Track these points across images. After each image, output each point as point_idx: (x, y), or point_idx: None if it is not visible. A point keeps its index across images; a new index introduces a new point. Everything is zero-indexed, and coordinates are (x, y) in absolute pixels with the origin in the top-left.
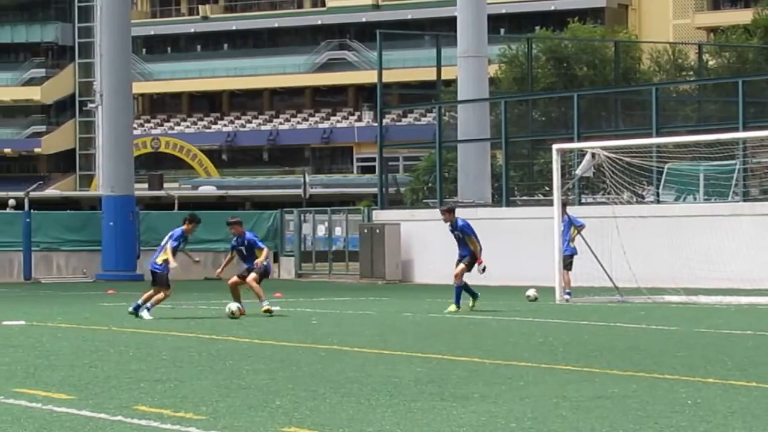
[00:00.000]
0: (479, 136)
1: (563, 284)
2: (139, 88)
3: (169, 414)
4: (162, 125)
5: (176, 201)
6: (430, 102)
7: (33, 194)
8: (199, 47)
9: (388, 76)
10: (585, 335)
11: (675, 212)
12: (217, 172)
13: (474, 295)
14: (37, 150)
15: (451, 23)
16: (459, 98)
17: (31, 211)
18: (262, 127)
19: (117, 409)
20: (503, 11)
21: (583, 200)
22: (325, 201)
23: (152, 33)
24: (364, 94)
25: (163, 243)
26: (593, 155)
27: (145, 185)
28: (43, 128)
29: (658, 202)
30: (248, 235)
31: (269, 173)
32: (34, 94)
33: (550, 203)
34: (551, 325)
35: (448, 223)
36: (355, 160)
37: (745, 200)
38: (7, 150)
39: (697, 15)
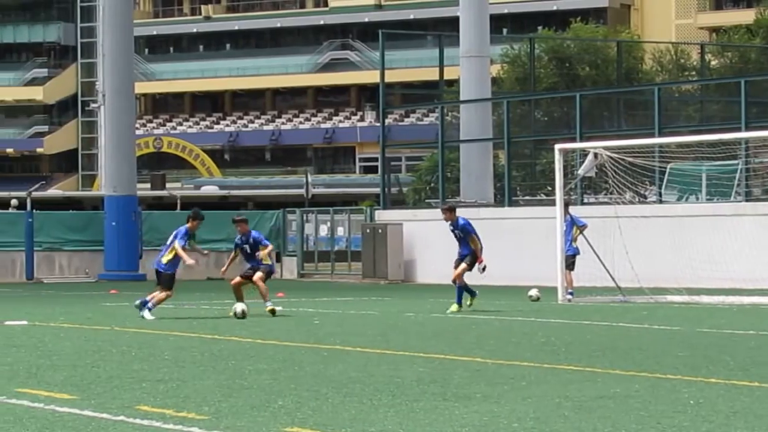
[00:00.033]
0: (482, 136)
1: (565, 284)
2: (142, 88)
3: (172, 414)
4: (164, 125)
5: (179, 201)
6: (433, 102)
7: (35, 194)
8: (201, 47)
9: (391, 76)
10: (587, 335)
11: (677, 212)
12: (219, 172)
13: (472, 294)
14: (39, 150)
15: (453, 23)
16: (461, 98)
17: (34, 211)
18: (265, 127)
19: (119, 409)
20: (505, 11)
21: (585, 200)
22: (327, 201)
23: (155, 33)
24: (366, 94)
25: (168, 242)
26: (596, 155)
27: (148, 185)
28: (45, 128)
29: (661, 202)
30: (254, 233)
31: (272, 173)
32: (36, 94)
33: (553, 203)
34: (553, 325)
35: (449, 222)
36: (357, 160)
37: (747, 200)
38: (10, 150)
39: (700, 15)
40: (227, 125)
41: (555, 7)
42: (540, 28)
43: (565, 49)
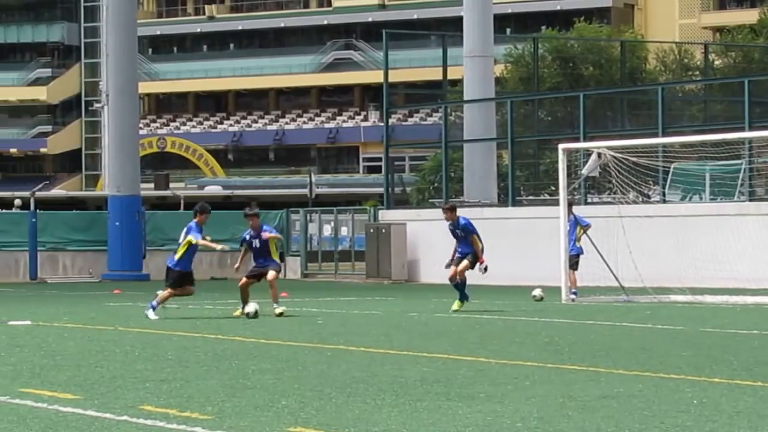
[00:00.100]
0: (485, 135)
1: (569, 284)
2: (145, 87)
3: (175, 414)
4: (168, 125)
5: (182, 201)
6: (436, 102)
7: (39, 194)
8: (205, 47)
9: (394, 76)
10: (591, 335)
11: (681, 212)
12: (223, 172)
13: (464, 298)
14: (42, 150)
15: (457, 23)
16: (465, 98)
17: (37, 211)
18: (268, 127)
19: (123, 409)
20: (509, 11)
21: (589, 200)
22: (331, 201)
23: (158, 33)
24: (370, 94)
25: (181, 240)
26: (599, 155)
27: (151, 185)
28: (49, 128)
29: (664, 201)
30: (265, 227)
31: (275, 173)
32: (40, 94)
33: (556, 203)
34: (557, 324)
35: (449, 222)
36: (361, 160)
37: (751, 200)
38: (13, 150)
39: (703, 15)
40: (231, 125)
41: (558, 7)
42: (543, 27)
43: (568, 48)
